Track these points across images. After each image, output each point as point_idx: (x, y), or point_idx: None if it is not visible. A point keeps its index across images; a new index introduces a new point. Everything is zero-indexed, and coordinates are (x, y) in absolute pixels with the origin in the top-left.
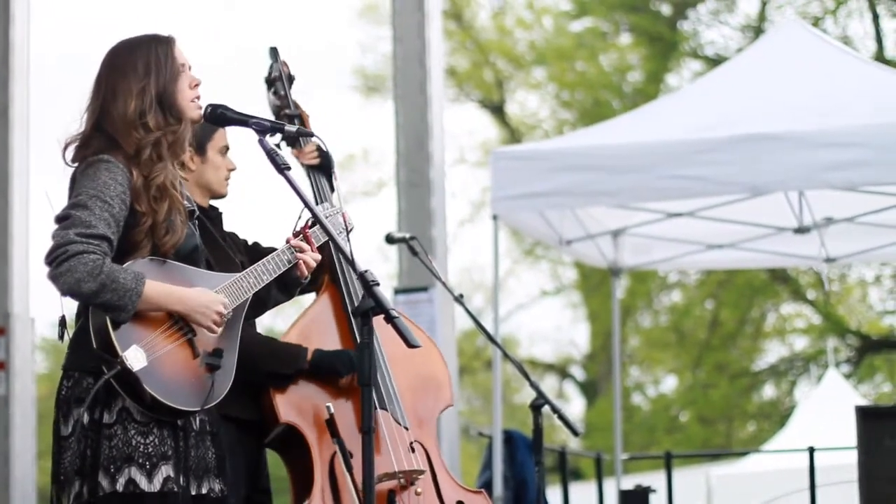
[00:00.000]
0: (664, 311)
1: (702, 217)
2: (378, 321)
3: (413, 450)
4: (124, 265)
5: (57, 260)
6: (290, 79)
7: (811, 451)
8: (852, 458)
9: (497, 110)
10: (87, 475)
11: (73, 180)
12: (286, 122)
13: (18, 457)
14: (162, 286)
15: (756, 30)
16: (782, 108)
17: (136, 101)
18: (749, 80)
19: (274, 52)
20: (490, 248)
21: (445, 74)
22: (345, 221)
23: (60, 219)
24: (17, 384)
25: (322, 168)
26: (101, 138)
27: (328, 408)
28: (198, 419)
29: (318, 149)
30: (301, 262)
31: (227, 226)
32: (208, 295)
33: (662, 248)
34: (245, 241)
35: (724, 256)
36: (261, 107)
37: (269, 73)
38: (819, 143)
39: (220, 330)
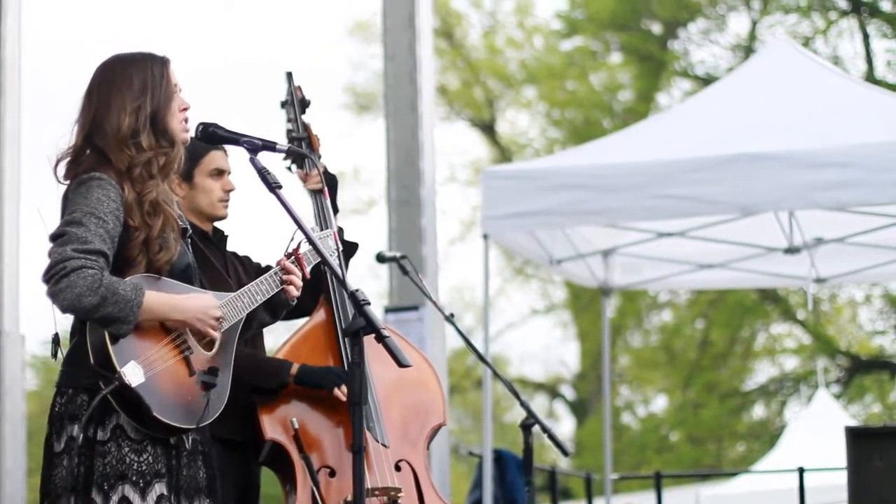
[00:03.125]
0: (654, 330)
1: (692, 237)
2: (370, 340)
3: (399, 468)
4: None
5: (56, 276)
6: (303, 103)
7: (801, 471)
8: (842, 478)
9: (487, 129)
10: (79, 492)
11: (66, 198)
12: (293, 145)
13: (8, 474)
14: (161, 295)
15: (746, 49)
16: (773, 127)
17: (130, 118)
18: (739, 100)
19: (289, 76)
20: (480, 267)
21: (436, 93)
22: (336, 243)
23: (56, 236)
24: (7, 402)
25: (328, 190)
26: (92, 154)
27: (292, 422)
28: (190, 438)
29: (325, 172)
30: (291, 288)
31: (240, 247)
32: (204, 300)
33: (653, 268)
34: (258, 265)
35: (714, 276)
36: (258, 125)
37: (284, 97)
38: (809, 163)
39: (218, 335)
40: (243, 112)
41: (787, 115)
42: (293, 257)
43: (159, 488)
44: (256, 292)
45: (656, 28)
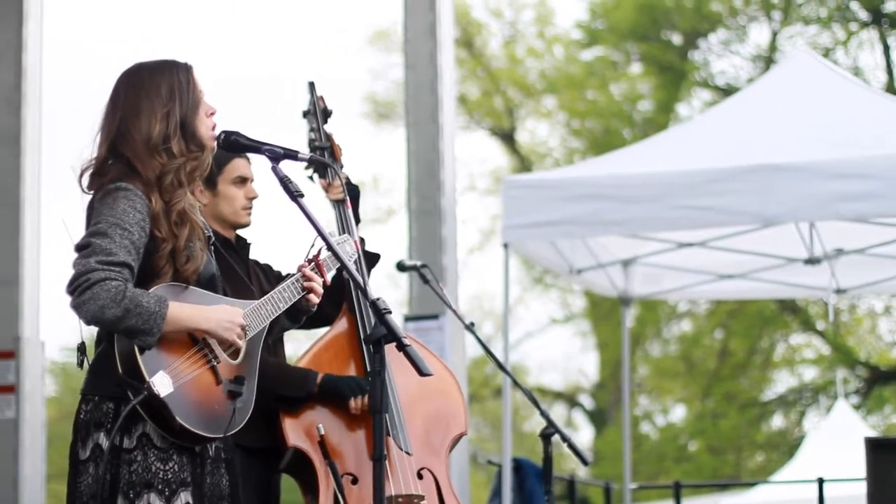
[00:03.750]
0: (674, 340)
1: (712, 247)
2: (392, 349)
3: (421, 476)
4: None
5: (80, 288)
6: (325, 112)
7: (820, 482)
8: (861, 489)
9: (507, 138)
10: (105, 500)
11: (91, 208)
12: (315, 154)
13: (28, 481)
14: (184, 306)
15: (767, 60)
16: (793, 138)
17: (161, 125)
18: (760, 111)
19: (311, 86)
20: (500, 276)
21: (457, 102)
22: (356, 249)
23: (81, 247)
24: (27, 408)
25: (350, 200)
26: (117, 164)
27: (318, 428)
28: (213, 446)
29: (347, 182)
30: (312, 296)
31: (262, 256)
32: (228, 310)
33: (673, 278)
34: (279, 273)
35: (734, 286)
36: (280, 135)
37: (306, 107)
38: (830, 174)
39: (243, 343)
40: (264, 122)
41: (808, 125)
42: (313, 264)
43: (185, 497)
44: (279, 300)
45: (677, 38)
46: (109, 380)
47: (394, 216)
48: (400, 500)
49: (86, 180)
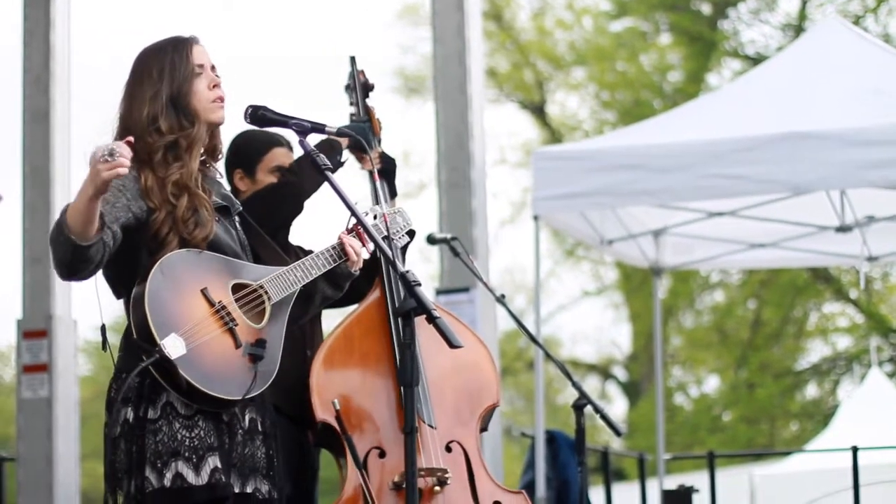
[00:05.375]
0: (706, 310)
1: (743, 216)
2: (423, 322)
3: (450, 449)
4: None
5: (51, 246)
6: (366, 87)
7: (854, 450)
8: None
9: (537, 111)
10: (133, 472)
11: None
12: (342, 127)
13: (62, 459)
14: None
15: (796, 28)
16: (823, 106)
17: (149, 106)
18: (790, 79)
19: (352, 60)
20: (531, 249)
21: (485, 75)
22: (406, 220)
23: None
24: (60, 386)
25: (386, 174)
26: None
27: (334, 403)
28: (247, 417)
29: (382, 155)
30: (351, 251)
31: (305, 242)
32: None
33: (704, 248)
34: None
35: (765, 255)
36: (312, 113)
37: (346, 81)
38: (860, 141)
39: (120, 171)
40: (296, 100)
41: (838, 93)
42: (353, 232)
43: (213, 461)
44: (312, 266)
45: (706, 8)
46: (134, 354)
47: (424, 190)
48: (422, 473)
49: None
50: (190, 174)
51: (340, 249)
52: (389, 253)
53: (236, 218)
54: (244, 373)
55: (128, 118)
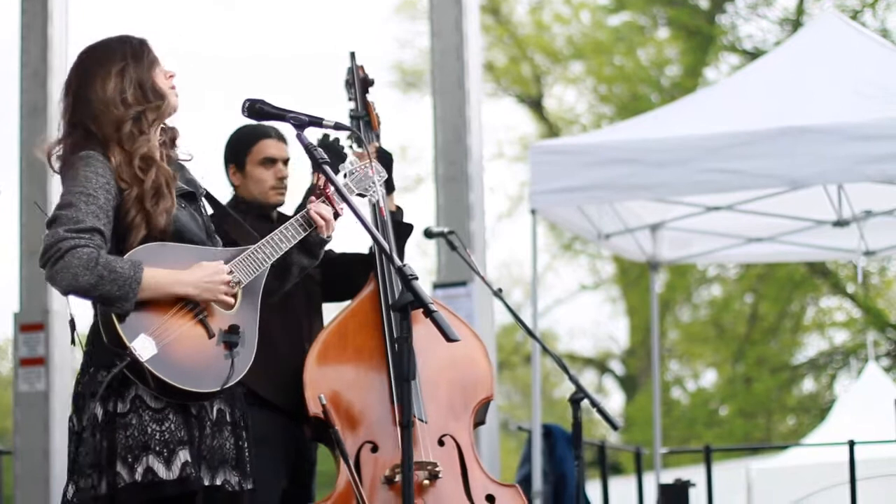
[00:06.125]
0: (703, 305)
1: (741, 210)
2: (417, 315)
3: (442, 443)
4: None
5: (51, 259)
6: (365, 82)
7: (851, 444)
8: (892, 451)
9: (535, 105)
10: (104, 468)
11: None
12: (353, 124)
13: (58, 452)
14: (160, 271)
15: (794, 23)
16: (821, 101)
17: (115, 80)
18: (787, 74)
19: (352, 56)
20: (528, 243)
21: (483, 69)
22: (377, 171)
23: (50, 222)
24: (57, 380)
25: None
26: (74, 134)
27: (320, 398)
28: (215, 409)
29: (379, 151)
30: (317, 218)
31: None
32: (206, 268)
33: (701, 242)
34: None
35: (763, 250)
36: (313, 105)
37: (346, 76)
38: (858, 135)
39: (234, 301)
40: (299, 96)
41: (836, 88)
42: (322, 197)
43: (183, 455)
44: (280, 240)
45: (704, 2)
46: (102, 350)
47: (422, 184)
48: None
49: (55, 162)
50: (155, 147)
51: (307, 218)
52: (386, 246)
53: (203, 202)
54: (220, 362)
55: (89, 95)
